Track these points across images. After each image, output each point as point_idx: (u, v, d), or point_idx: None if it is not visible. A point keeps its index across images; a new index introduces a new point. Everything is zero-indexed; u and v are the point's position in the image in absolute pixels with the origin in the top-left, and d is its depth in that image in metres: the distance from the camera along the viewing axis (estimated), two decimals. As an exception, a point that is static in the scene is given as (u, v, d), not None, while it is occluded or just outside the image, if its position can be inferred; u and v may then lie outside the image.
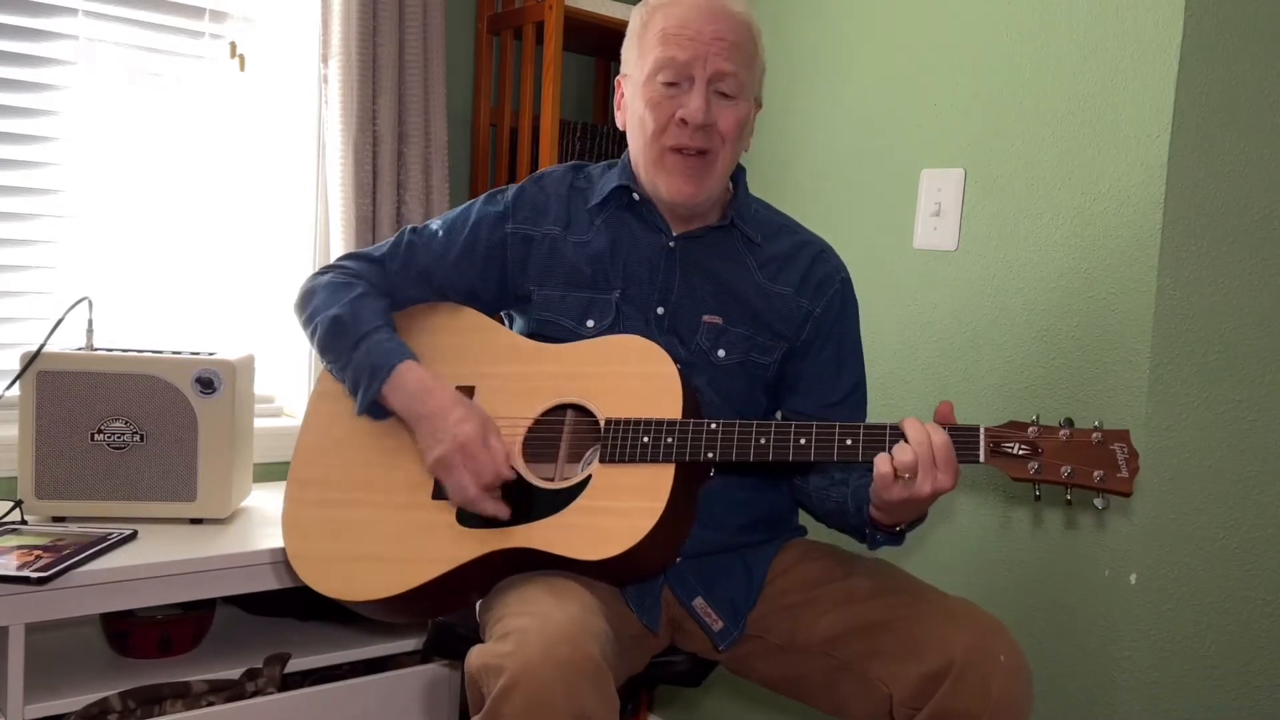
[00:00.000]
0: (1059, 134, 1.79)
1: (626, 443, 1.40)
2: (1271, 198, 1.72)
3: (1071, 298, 1.77)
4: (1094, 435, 1.28)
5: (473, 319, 1.60)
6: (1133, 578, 1.70)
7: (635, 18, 1.55)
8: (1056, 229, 1.79)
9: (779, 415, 1.64)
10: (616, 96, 1.61)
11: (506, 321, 1.65)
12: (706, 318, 1.54)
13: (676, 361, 1.44)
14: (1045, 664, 1.77)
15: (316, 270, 1.65)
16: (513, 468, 1.44)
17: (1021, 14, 1.84)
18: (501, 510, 1.43)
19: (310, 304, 1.59)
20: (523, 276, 1.59)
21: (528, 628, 1.23)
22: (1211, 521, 1.74)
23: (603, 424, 1.43)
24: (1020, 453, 1.29)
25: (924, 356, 2.00)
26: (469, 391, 1.53)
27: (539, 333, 1.57)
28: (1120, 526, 1.71)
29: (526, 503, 1.44)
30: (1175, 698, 1.74)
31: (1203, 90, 1.65)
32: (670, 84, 1.48)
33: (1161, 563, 1.71)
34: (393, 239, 1.65)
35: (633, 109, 1.54)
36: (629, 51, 1.56)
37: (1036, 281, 1.82)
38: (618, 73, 2.48)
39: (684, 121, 1.47)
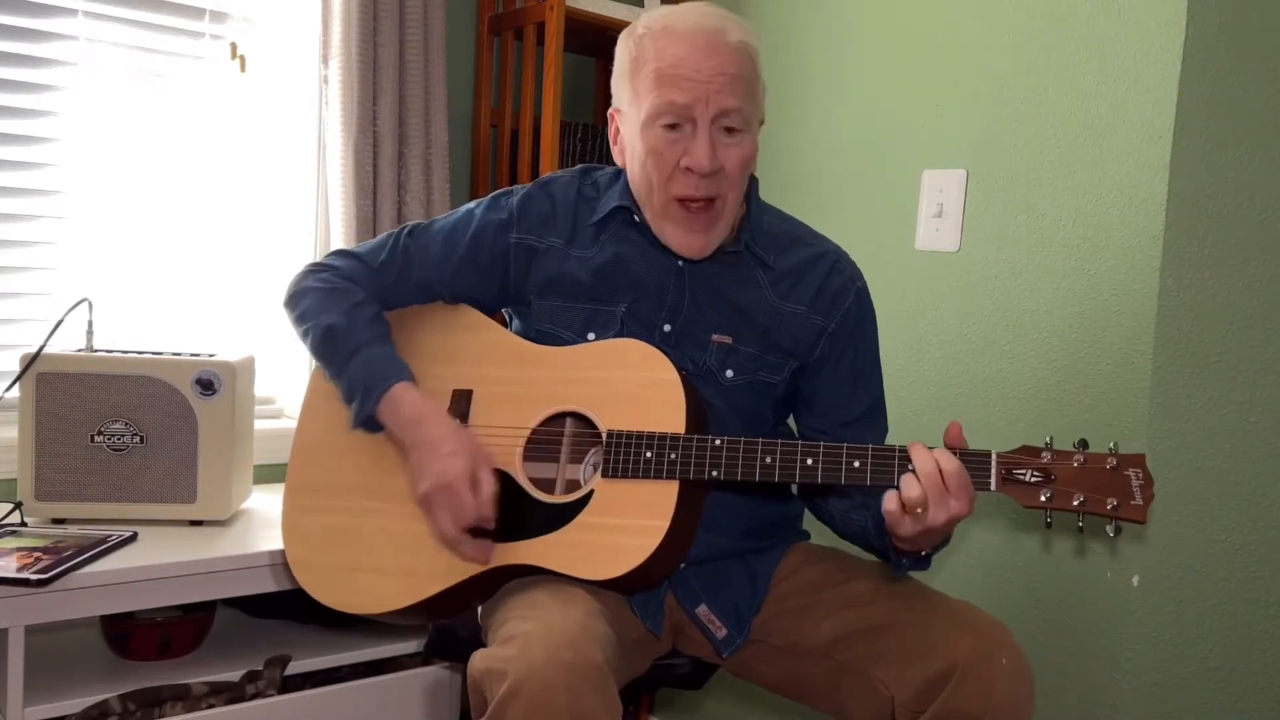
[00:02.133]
0: (1061, 135, 1.78)
1: (629, 458, 1.38)
2: (1275, 199, 1.72)
3: (1074, 299, 1.76)
4: (1109, 460, 1.26)
5: (474, 319, 1.58)
6: (1135, 580, 1.69)
7: (623, 51, 1.48)
8: (1059, 230, 1.79)
9: (793, 427, 1.61)
10: (611, 130, 1.54)
11: (507, 318, 1.64)
12: (716, 337, 1.51)
13: (682, 371, 1.42)
14: (1048, 666, 1.77)
15: (307, 267, 1.61)
16: (517, 486, 1.43)
17: (1023, 14, 1.84)
18: (481, 554, 1.40)
19: (301, 304, 1.55)
20: (524, 285, 1.56)
21: (531, 632, 1.23)
22: (1214, 523, 1.74)
23: (604, 436, 1.41)
24: (1033, 480, 1.27)
25: (926, 358, 1.99)
26: (467, 395, 1.51)
27: (537, 341, 1.54)
28: (1123, 528, 1.71)
29: (527, 516, 1.42)
30: (1178, 700, 1.74)
31: (1206, 91, 1.65)
32: (671, 127, 1.41)
33: (1164, 565, 1.71)
34: (389, 242, 1.60)
35: (632, 149, 1.47)
36: (620, 87, 1.49)
37: (1039, 283, 1.82)
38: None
39: (689, 169, 1.41)
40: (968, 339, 1.92)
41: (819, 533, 1.64)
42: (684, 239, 1.47)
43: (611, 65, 2.63)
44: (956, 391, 1.93)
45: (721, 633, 1.49)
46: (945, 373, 1.96)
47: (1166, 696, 1.73)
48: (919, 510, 1.26)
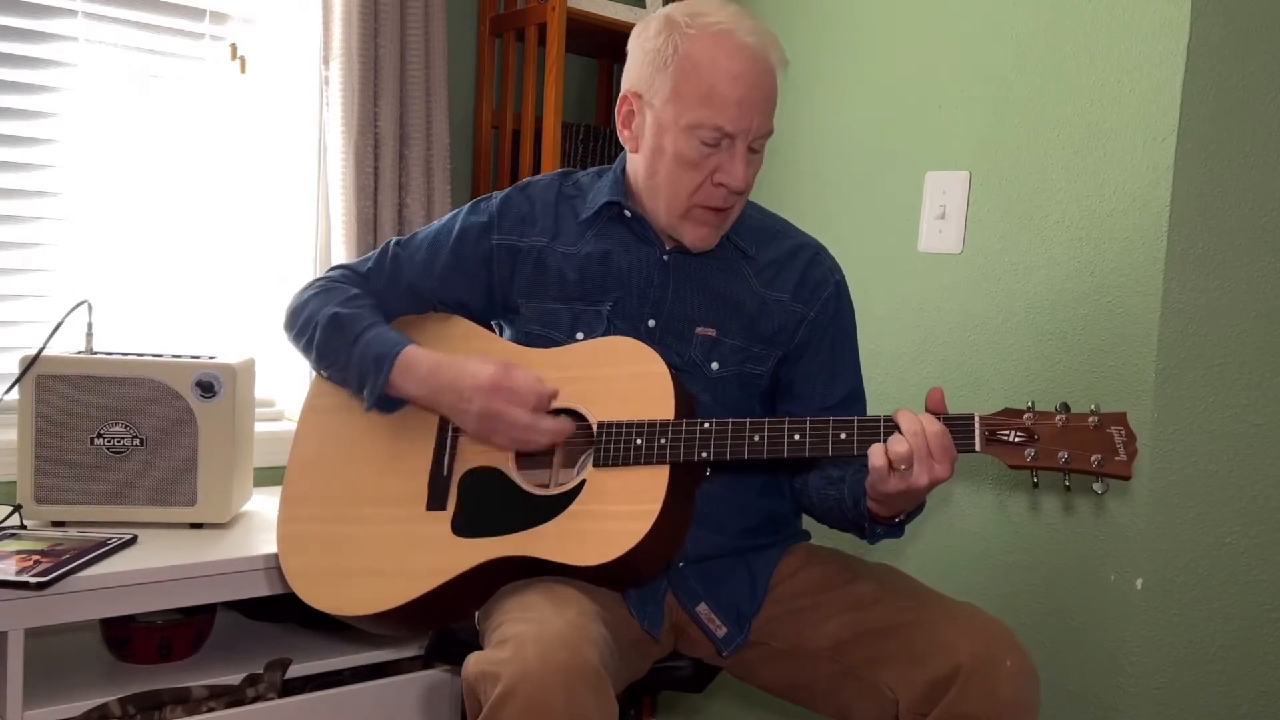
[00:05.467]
0: (1064, 136, 1.78)
1: (620, 446, 1.39)
2: (1278, 200, 1.71)
3: (1077, 301, 1.76)
4: (1090, 419, 1.28)
5: (462, 327, 1.60)
6: (1139, 582, 1.69)
7: (662, 42, 1.43)
8: (1062, 231, 1.78)
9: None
10: (621, 111, 1.52)
11: (497, 330, 1.65)
12: (700, 329, 1.53)
13: (668, 365, 1.43)
14: (1052, 669, 1.76)
15: (303, 285, 1.64)
16: (510, 482, 1.43)
17: (1026, 15, 1.83)
18: (562, 426, 1.43)
19: (303, 313, 1.58)
20: (510, 288, 1.58)
21: (525, 634, 1.23)
22: (1219, 526, 1.73)
23: (595, 428, 1.42)
24: (1016, 439, 1.29)
25: (929, 360, 1.99)
26: None
27: (527, 345, 1.55)
28: (1126, 531, 1.70)
29: (521, 510, 1.42)
30: (1182, 703, 1.73)
31: (1209, 92, 1.64)
32: (710, 144, 1.42)
33: (1168, 567, 1.70)
34: (377, 253, 1.64)
35: (653, 145, 1.47)
36: (654, 80, 1.44)
37: (1042, 284, 1.81)
38: (620, 74, 2.45)
39: (722, 184, 1.44)
40: (971, 340, 1.92)
41: (820, 534, 1.63)
42: (701, 235, 1.50)
43: (614, 66, 2.66)
44: (959, 393, 1.93)
45: (721, 632, 1.49)
46: (948, 374, 1.95)
47: (1171, 700, 1.72)
48: (904, 467, 1.27)
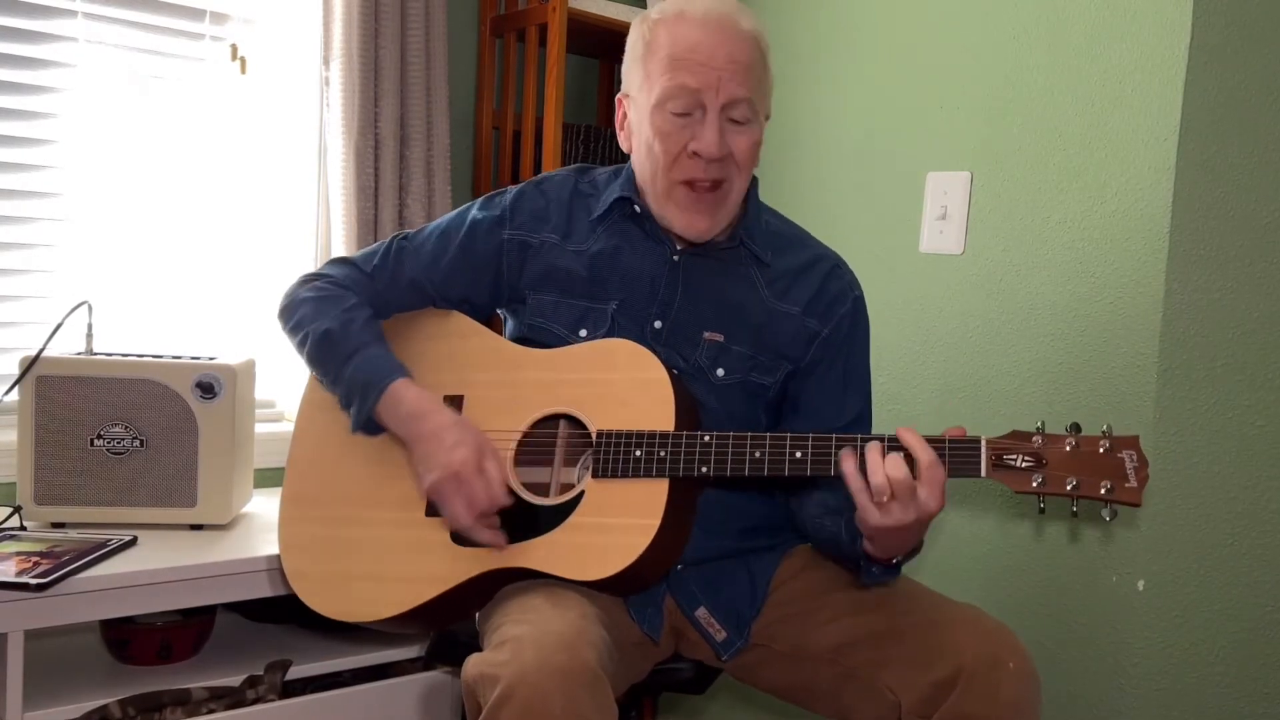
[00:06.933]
0: (1066, 137, 1.77)
1: (619, 457, 1.38)
2: (1281, 200, 1.71)
3: (1079, 302, 1.75)
4: (1101, 443, 1.24)
5: (462, 325, 1.58)
6: (1140, 584, 1.68)
7: (636, 36, 1.49)
8: (1064, 232, 1.78)
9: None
10: (618, 116, 1.54)
11: (502, 320, 1.63)
12: (707, 334, 1.51)
13: (671, 370, 1.42)
14: (1054, 671, 1.76)
15: (302, 277, 1.61)
16: (510, 491, 1.42)
17: (1028, 16, 1.83)
18: (497, 540, 1.39)
19: (297, 314, 1.56)
20: (518, 280, 1.56)
21: (524, 636, 1.22)
22: (1220, 527, 1.73)
23: (594, 437, 1.40)
24: (1024, 465, 1.25)
25: (930, 361, 1.99)
26: (457, 401, 1.51)
27: (529, 338, 1.54)
28: (1127, 533, 1.70)
29: (520, 519, 1.41)
30: (1184, 705, 1.73)
31: (1210, 93, 1.64)
32: (681, 114, 1.42)
33: (1170, 569, 1.70)
34: (381, 247, 1.61)
35: (639, 134, 1.48)
36: (632, 71, 1.49)
37: (1043, 285, 1.81)
38: (620, 77, 2.43)
39: (696, 154, 1.42)
40: (972, 341, 1.91)
41: (822, 537, 1.63)
42: (688, 220, 1.47)
43: (614, 66, 2.65)
44: (960, 394, 1.92)
45: (721, 635, 1.49)
46: (949, 375, 1.95)
47: (1172, 702, 1.72)
48: (884, 499, 1.24)
